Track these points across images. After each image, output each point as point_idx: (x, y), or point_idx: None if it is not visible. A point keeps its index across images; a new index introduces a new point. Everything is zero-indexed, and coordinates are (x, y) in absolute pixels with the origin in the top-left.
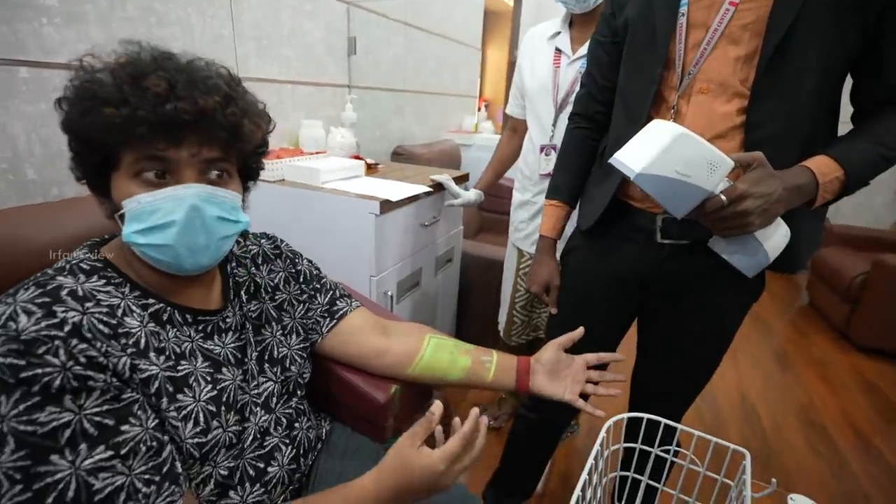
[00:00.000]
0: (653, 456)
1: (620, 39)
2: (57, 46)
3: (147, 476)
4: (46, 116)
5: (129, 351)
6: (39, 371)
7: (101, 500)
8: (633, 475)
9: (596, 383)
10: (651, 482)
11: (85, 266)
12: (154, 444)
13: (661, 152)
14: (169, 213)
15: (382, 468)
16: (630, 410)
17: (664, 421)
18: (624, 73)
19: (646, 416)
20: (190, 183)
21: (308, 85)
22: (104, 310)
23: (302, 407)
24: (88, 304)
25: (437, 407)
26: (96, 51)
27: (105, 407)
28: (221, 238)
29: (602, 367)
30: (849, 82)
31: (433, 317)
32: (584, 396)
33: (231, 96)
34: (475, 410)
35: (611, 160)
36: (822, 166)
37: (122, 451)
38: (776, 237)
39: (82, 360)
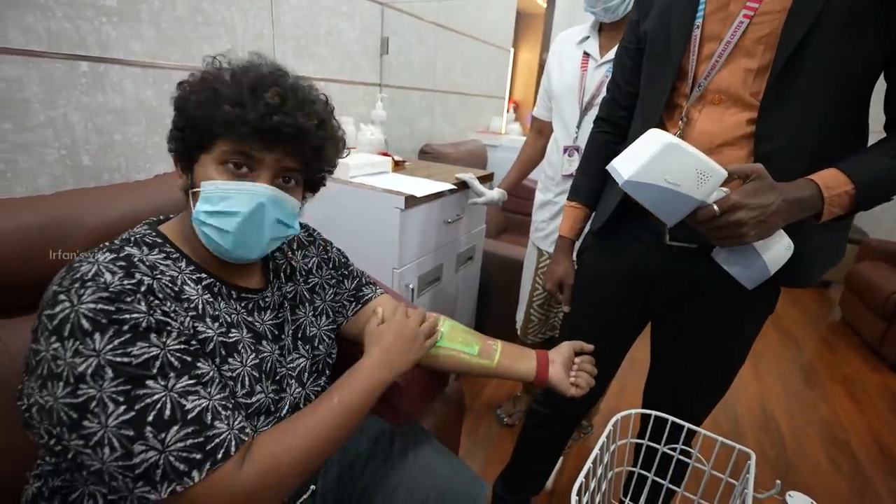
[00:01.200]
0: (659, 453)
1: (643, 46)
2: (113, 42)
3: (224, 403)
4: (102, 108)
5: (190, 314)
6: (127, 315)
7: (192, 418)
8: (638, 471)
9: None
10: (657, 479)
11: (147, 240)
12: (222, 381)
13: (649, 161)
14: (238, 204)
15: (365, 350)
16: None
17: (671, 418)
18: (643, 81)
19: (653, 412)
20: (265, 183)
21: (341, 83)
22: (168, 278)
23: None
24: (155, 272)
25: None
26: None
27: (182, 346)
28: (272, 239)
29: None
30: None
31: (452, 313)
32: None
33: (324, 121)
34: None
35: (607, 167)
36: (830, 179)
37: (204, 380)
38: (776, 249)
39: (159, 311)
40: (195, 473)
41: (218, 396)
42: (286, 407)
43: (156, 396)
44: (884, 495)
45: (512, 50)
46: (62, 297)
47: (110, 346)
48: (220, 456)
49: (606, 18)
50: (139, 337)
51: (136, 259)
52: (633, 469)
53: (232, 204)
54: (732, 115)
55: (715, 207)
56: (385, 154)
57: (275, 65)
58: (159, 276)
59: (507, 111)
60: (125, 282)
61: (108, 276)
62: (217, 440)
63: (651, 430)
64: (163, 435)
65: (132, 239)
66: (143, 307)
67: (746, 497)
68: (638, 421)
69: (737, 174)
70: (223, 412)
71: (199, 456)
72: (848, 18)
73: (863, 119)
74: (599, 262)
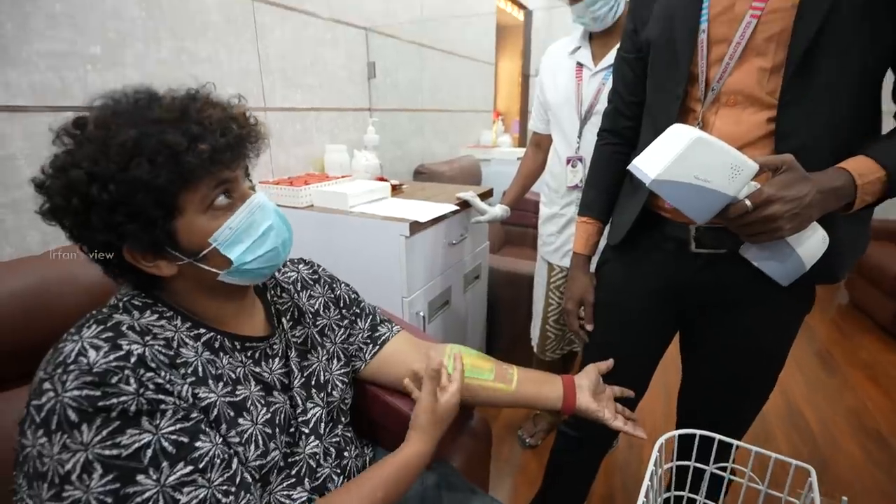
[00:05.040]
0: (707, 474)
1: (644, 55)
2: (98, 90)
3: (224, 487)
4: None
5: (188, 380)
6: (115, 400)
7: None
8: (688, 495)
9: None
10: (707, 502)
11: (137, 303)
12: (225, 457)
13: (677, 158)
14: (263, 221)
15: (409, 435)
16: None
17: (717, 436)
18: (650, 89)
19: (698, 432)
20: (250, 194)
21: (331, 111)
22: (161, 342)
23: (349, 435)
24: (147, 338)
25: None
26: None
27: (178, 426)
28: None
29: (623, 400)
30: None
31: (463, 334)
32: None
33: (228, 101)
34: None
35: (629, 167)
36: (861, 167)
37: (201, 465)
38: (812, 243)
39: (151, 386)
40: None
41: (219, 481)
42: (303, 464)
43: (147, 494)
44: None
45: (494, 63)
46: (47, 385)
47: (98, 437)
48: None
49: (596, 27)
50: (129, 423)
51: (124, 327)
52: (679, 493)
53: (259, 226)
54: (751, 115)
55: (747, 202)
56: (382, 179)
57: (143, 89)
58: (152, 343)
59: (495, 122)
60: (111, 357)
61: (91, 355)
62: None
63: (690, 447)
64: None
65: (120, 304)
66: (131, 386)
67: None
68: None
69: (767, 166)
70: (223, 499)
71: None
72: (859, 8)
73: (877, 107)
74: (622, 276)
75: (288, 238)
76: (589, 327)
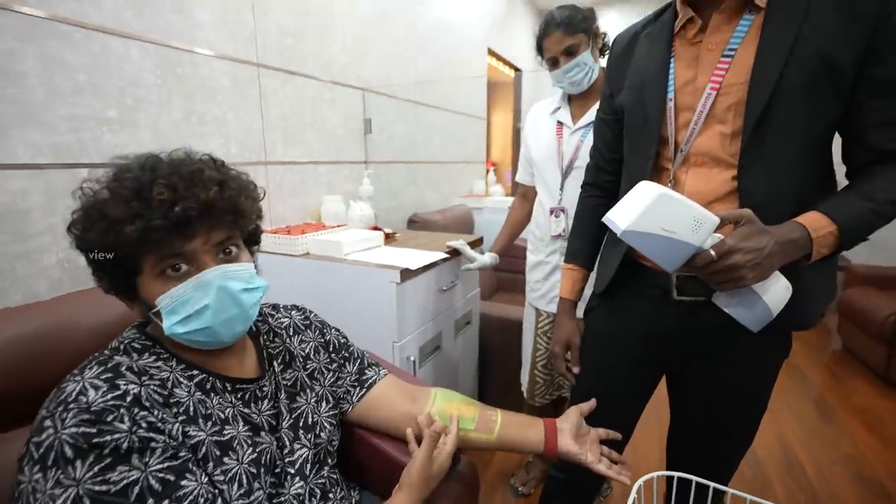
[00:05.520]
0: None
1: (620, 117)
2: (112, 149)
3: None
4: None
5: (180, 419)
6: (109, 437)
7: None
8: None
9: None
10: None
11: (136, 345)
12: (209, 496)
13: (644, 211)
14: (200, 300)
15: (401, 486)
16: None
17: (695, 479)
18: (626, 148)
19: (677, 474)
20: (209, 267)
21: (328, 164)
22: (157, 383)
23: (334, 477)
24: (144, 378)
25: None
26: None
27: (166, 464)
28: (251, 306)
29: (610, 443)
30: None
31: (455, 380)
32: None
33: (223, 181)
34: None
35: (603, 219)
36: (814, 221)
37: (185, 503)
38: (776, 290)
39: (144, 424)
40: None
41: None
42: None
43: None
44: None
45: (486, 118)
46: (47, 422)
47: (90, 473)
48: None
49: (573, 90)
50: (119, 461)
51: (123, 368)
52: None
53: (195, 302)
54: (717, 174)
55: (712, 252)
56: (376, 228)
57: (143, 155)
58: (148, 382)
59: (487, 172)
60: (108, 396)
61: (91, 394)
62: None
63: (677, 491)
64: None
65: (121, 347)
66: (125, 424)
67: None
68: (663, 482)
69: (728, 219)
70: None
71: None
72: (804, 84)
73: (829, 160)
74: (607, 323)
75: (231, 318)
76: (575, 370)
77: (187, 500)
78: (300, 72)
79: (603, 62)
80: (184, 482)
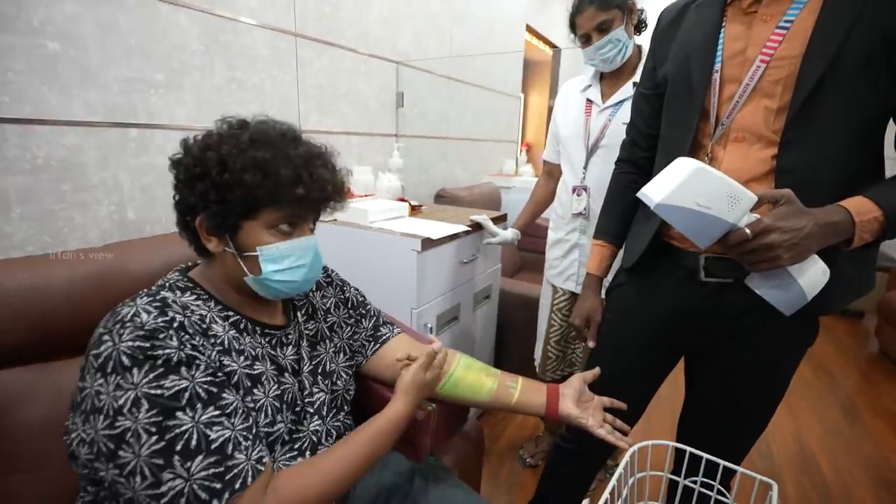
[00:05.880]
0: (680, 486)
1: (661, 91)
2: (159, 111)
3: (245, 433)
4: (147, 168)
5: (217, 348)
6: (160, 351)
7: (215, 448)
8: None
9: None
10: None
11: (180, 285)
12: (245, 409)
13: (680, 185)
14: (301, 258)
15: (395, 398)
16: (676, 450)
17: (689, 449)
18: (665, 122)
19: (670, 443)
20: (309, 235)
21: (360, 135)
22: (197, 317)
23: (349, 422)
24: (186, 311)
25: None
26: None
27: (209, 378)
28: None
29: (616, 413)
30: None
31: (471, 352)
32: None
33: (339, 170)
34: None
35: (638, 193)
36: (859, 205)
37: (227, 411)
38: (811, 273)
39: (188, 346)
40: (215, 502)
41: (240, 427)
42: (306, 440)
43: (184, 427)
44: None
45: (522, 96)
46: (105, 337)
47: (146, 379)
48: (237, 486)
49: (605, 68)
50: (171, 370)
51: (170, 300)
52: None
53: (295, 259)
54: (757, 151)
55: (747, 231)
56: (402, 200)
57: (284, 125)
58: (189, 315)
59: (520, 153)
60: (159, 319)
61: (144, 316)
62: (235, 470)
63: (685, 467)
64: (189, 464)
65: (167, 284)
66: (174, 342)
67: None
68: (673, 459)
69: (766, 199)
70: (244, 443)
71: (219, 485)
72: (861, 62)
73: (879, 150)
74: (631, 300)
75: (312, 279)
76: (591, 344)
77: (229, 409)
78: (337, 43)
79: (638, 40)
80: (224, 394)
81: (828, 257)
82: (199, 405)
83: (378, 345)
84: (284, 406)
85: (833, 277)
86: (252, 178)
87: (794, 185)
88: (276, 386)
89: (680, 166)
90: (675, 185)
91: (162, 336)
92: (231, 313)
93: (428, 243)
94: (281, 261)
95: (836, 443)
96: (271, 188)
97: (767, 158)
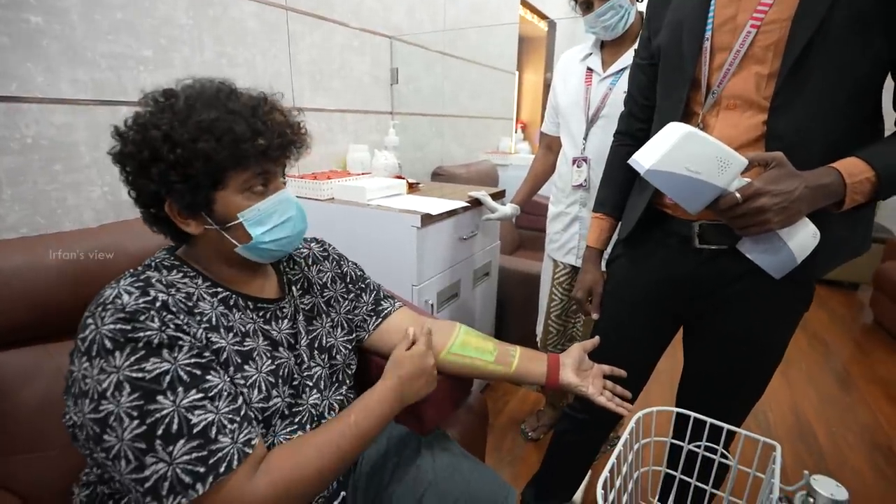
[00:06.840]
0: (684, 451)
1: (657, 61)
2: (149, 87)
3: (230, 416)
4: None
5: (203, 325)
6: (142, 333)
7: (197, 432)
8: (664, 470)
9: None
10: (684, 478)
11: (166, 263)
12: (232, 391)
13: (670, 150)
14: (285, 212)
15: (384, 373)
16: (676, 417)
17: (693, 414)
18: (659, 94)
19: (675, 409)
20: (282, 187)
21: (355, 113)
22: (183, 294)
23: (352, 396)
24: (171, 290)
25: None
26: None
27: (193, 360)
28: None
29: (617, 380)
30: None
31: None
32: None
33: (289, 111)
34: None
35: (629, 160)
36: (850, 166)
37: (210, 394)
38: (801, 236)
39: (171, 326)
40: (199, 486)
41: (225, 410)
42: (305, 413)
43: (165, 411)
44: None
45: (517, 73)
46: (89, 320)
47: (128, 362)
48: (222, 470)
49: (607, 36)
50: (151, 353)
51: (153, 280)
52: (671, 472)
53: (280, 215)
54: (748, 118)
55: (737, 195)
56: (399, 177)
57: (227, 84)
58: (174, 293)
59: (516, 131)
60: (140, 301)
61: (125, 298)
62: (220, 454)
63: (682, 432)
64: (171, 448)
65: (153, 264)
66: (156, 323)
67: (773, 488)
68: (673, 426)
69: (757, 161)
70: (228, 426)
71: (202, 469)
72: (852, 22)
73: (876, 113)
74: (629, 270)
75: (303, 230)
76: (594, 316)
77: (213, 391)
78: (329, 17)
79: (640, 6)
80: (209, 377)
81: (819, 219)
82: (180, 388)
83: (380, 319)
84: (280, 380)
85: (824, 240)
86: (207, 144)
87: (785, 150)
88: (270, 361)
89: (670, 131)
90: (664, 151)
91: (143, 318)
92: (220, 289)
93: (428, 219)
94: (266, 221)
95: (832, 411)
96: (231, 149)
97: (758, 124)
